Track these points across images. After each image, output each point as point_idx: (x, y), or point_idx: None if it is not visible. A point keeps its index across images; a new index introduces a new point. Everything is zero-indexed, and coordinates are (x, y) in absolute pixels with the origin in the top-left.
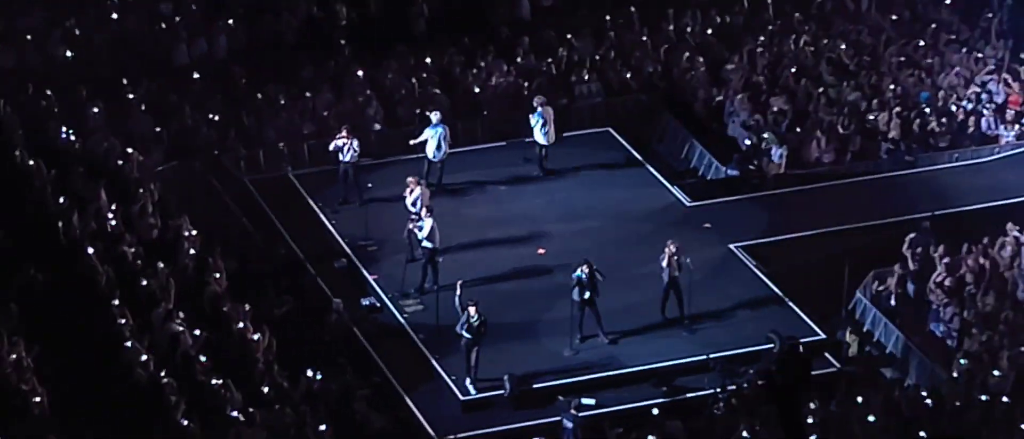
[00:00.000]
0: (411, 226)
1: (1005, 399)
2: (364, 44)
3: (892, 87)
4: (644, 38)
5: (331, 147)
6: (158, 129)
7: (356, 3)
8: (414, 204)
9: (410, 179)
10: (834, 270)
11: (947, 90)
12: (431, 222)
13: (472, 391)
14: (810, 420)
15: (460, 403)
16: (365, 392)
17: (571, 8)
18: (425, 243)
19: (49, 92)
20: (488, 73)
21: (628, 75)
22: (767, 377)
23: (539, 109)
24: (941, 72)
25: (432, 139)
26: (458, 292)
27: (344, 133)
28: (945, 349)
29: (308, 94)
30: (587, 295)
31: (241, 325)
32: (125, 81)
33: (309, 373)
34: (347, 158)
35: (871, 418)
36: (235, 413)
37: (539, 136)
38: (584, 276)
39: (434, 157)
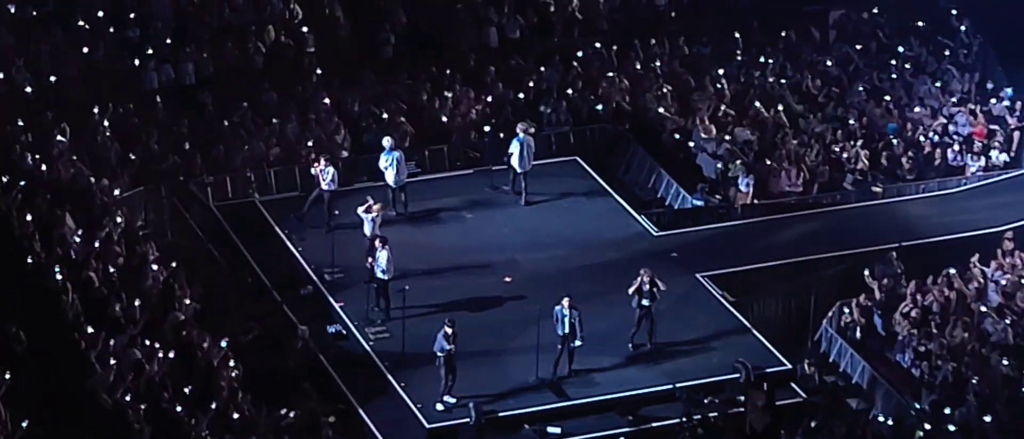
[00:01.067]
0: (370, 261)
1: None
2: (331, 71)
3: (859, 118)
4: (611, 68)
5: (312, 172)
6: (125, 155)
7: (324, 30)
8: (370, 222)
9: (378, 205)
10: (801, 300)
11: (914, 122)
12: (386, 254)
13: (451, 401)
14: None
15: (425, 431)
16: (330, 420)
17: (539, 37)
18: (380, 274)
19: (16, 117)
20: (455, 101)
21: (595, 105)
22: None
23: (520, 135)
24: (908, 104)
25: (389, 166)
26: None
27: (322, 162)
28: (911, 380)
29: (275, 121)
30: (567, 330)
31: (206, 351)
32: (93, 107)
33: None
34: (325, 185)
35: None
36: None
37: (514, 162)
38: (565, 312)
39: (394, 183)
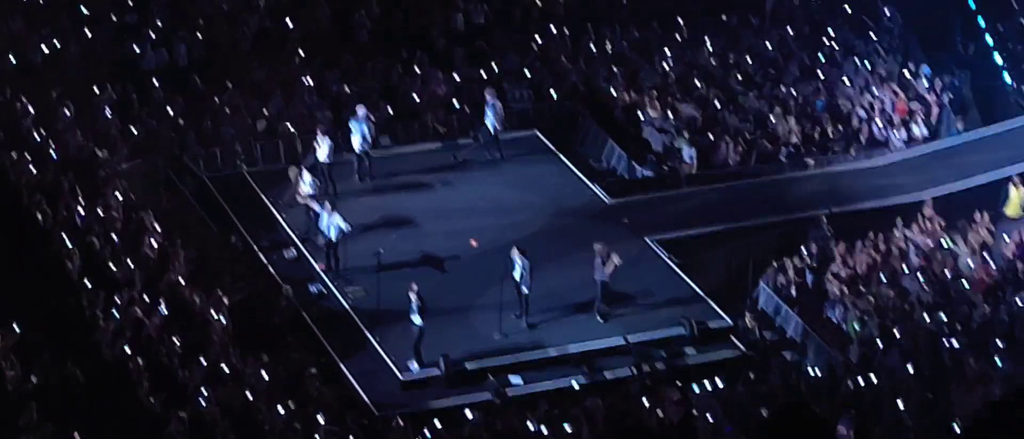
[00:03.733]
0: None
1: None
2: (312, 52)
3: (793, 96)
4: (567, 50)
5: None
6: (124, 129)
7: (306, 15)
8: (312, 195)
9: (292, 170)
10: (740, 262)
11: (842, 99)
12: (332, 216)
13: (415, 368)
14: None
15: (399, 381)
16: (313, 371)
17: (502, 22)
18: (332, 235)
19: (24, 94)
20: (424, 80)
21: (553, 83)
22: None
23: (489, 100)
24: (837, 83)
25: (355, 132)
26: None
27: (318, 134)
28: (840, 334)
29: (260, 99)
30: (518, 276)
31: (200, 309)
32: (94, 85)
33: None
34: (323, 158)
35: (772, 397)
36: (194, 390)
37: (488, 123)
38: (516, 258)
39: (359, 148)
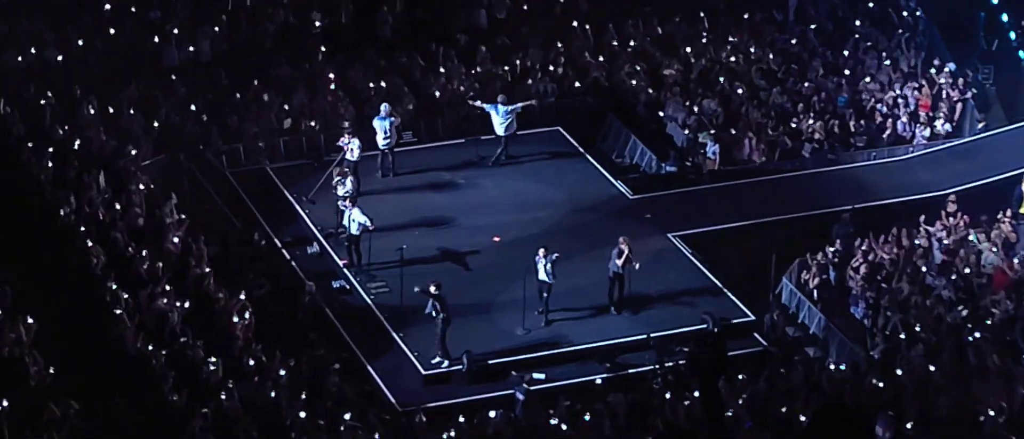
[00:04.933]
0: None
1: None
2: (335, 48)
3: (816, 92)
4: (590, 45)
5: (339, 143)
6: (147, 125)
7: (329, 11)
8: (346, 191)
9: (336, 169)
10: (763, 258)
11: (865, 95)
12: (358, 211)
13: (445, 364)
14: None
15: (422, 377)
16: (335, 367)
17: (524, 18)
18: (353, 230)
19: (47, 91)
20: (448, 77)
21: (576, 79)
22: (689, 359)
23: (496, 104)
24: (860, 79)
25: (380, 129)
26: (420, 289)
27: (347, 136)
28: (863, 330)
29: (284, 95)
30: (543, 277)
31: (223, 305)
32: (118, 82)
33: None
34: (354, 157)
35: (794, 393)
36: (216, 385)
37: (497, 128)
38: (540, 260)
39: (383, 146)
